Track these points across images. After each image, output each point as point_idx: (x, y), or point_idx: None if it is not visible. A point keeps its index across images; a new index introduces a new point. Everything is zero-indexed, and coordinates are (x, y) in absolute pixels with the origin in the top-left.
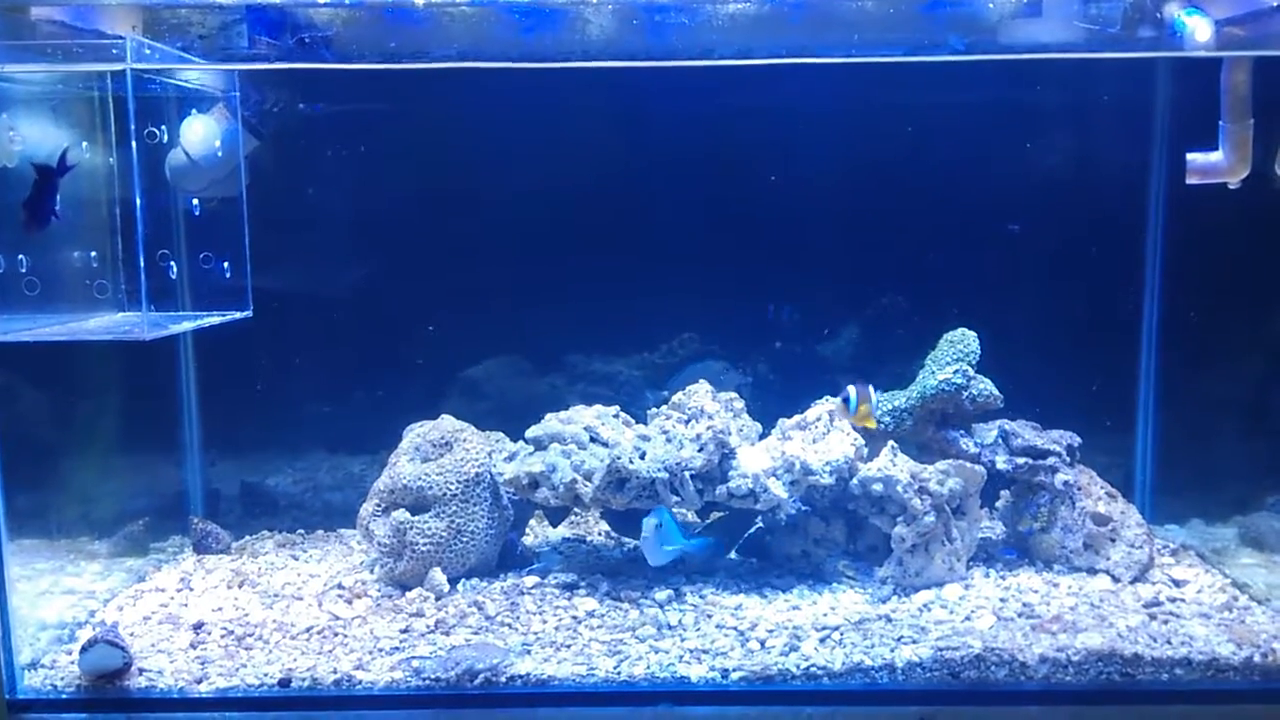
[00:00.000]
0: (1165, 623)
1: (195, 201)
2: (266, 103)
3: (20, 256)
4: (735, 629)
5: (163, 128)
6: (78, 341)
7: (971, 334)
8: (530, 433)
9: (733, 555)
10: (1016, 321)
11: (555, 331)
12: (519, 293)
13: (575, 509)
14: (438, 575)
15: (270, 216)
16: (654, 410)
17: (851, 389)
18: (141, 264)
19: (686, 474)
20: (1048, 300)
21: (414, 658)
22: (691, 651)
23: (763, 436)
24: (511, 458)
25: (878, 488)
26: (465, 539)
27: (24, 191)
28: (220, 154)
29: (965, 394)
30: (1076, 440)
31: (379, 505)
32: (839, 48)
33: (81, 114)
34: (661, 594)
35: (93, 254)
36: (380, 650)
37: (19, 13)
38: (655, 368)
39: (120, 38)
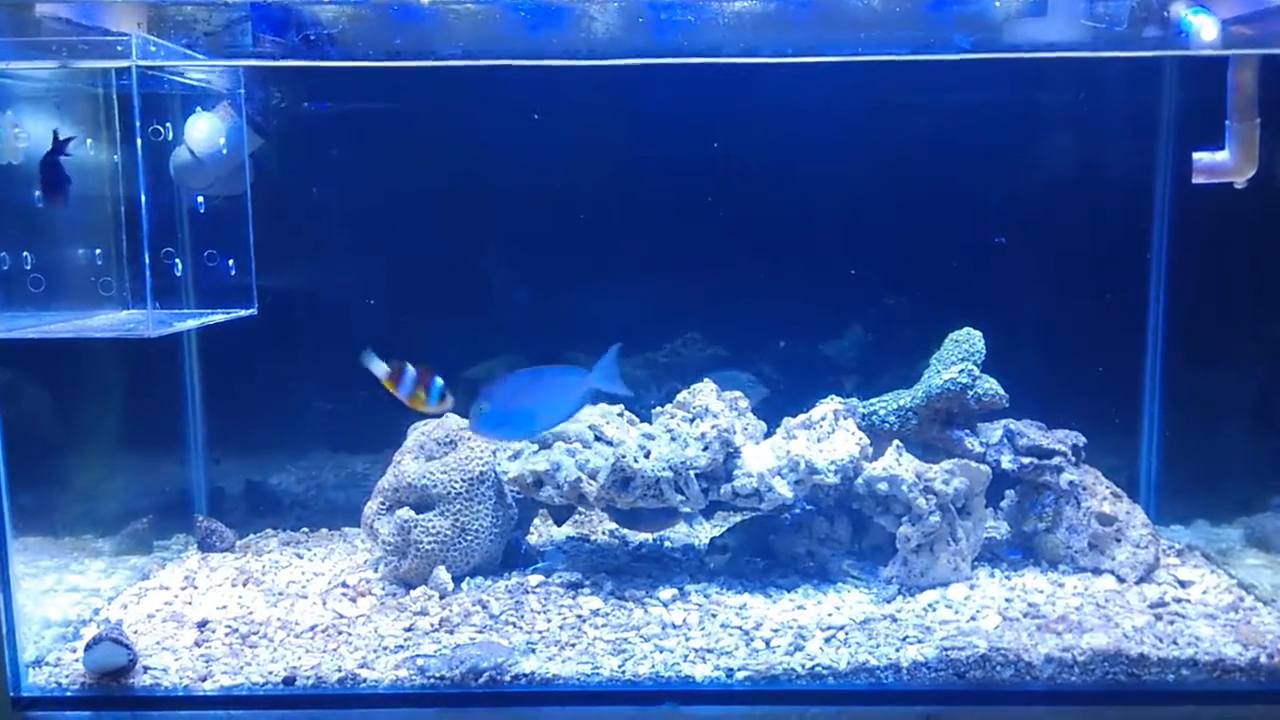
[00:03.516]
0: (1171, 623)
1: (200, 199)
2: (271, 100)
3: (25, 253)
4: (740, 628)
5: (167, 125)
6: (82, 339)
7: (977, 333)
8: None
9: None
10: (1022, 321)
11: (559, 330)
12: (523, 291)
13: (580, 508)
14: (442, 574)
15: (275, 214)
16: (659, 409)
17: (409, 370)
18: (146, 261)
19: (691, 473)
20: (1053, 300)
21: (418, 656)
22: (696, 651)
23: (768, 435)
24: (516, 456)
25: (883, 487)
26: (470, 537)
27: (28, 188)
28: (225, 151)
29: (970, 393)
30: (1082, 440)
31: (383, 503)
32: (845, 46)
33: (86, 111)
34: (666, 593)
35: (97, 251)
36: (384, 649)
37: (24, 9)
38: (660, 367)
39: (125, 35)
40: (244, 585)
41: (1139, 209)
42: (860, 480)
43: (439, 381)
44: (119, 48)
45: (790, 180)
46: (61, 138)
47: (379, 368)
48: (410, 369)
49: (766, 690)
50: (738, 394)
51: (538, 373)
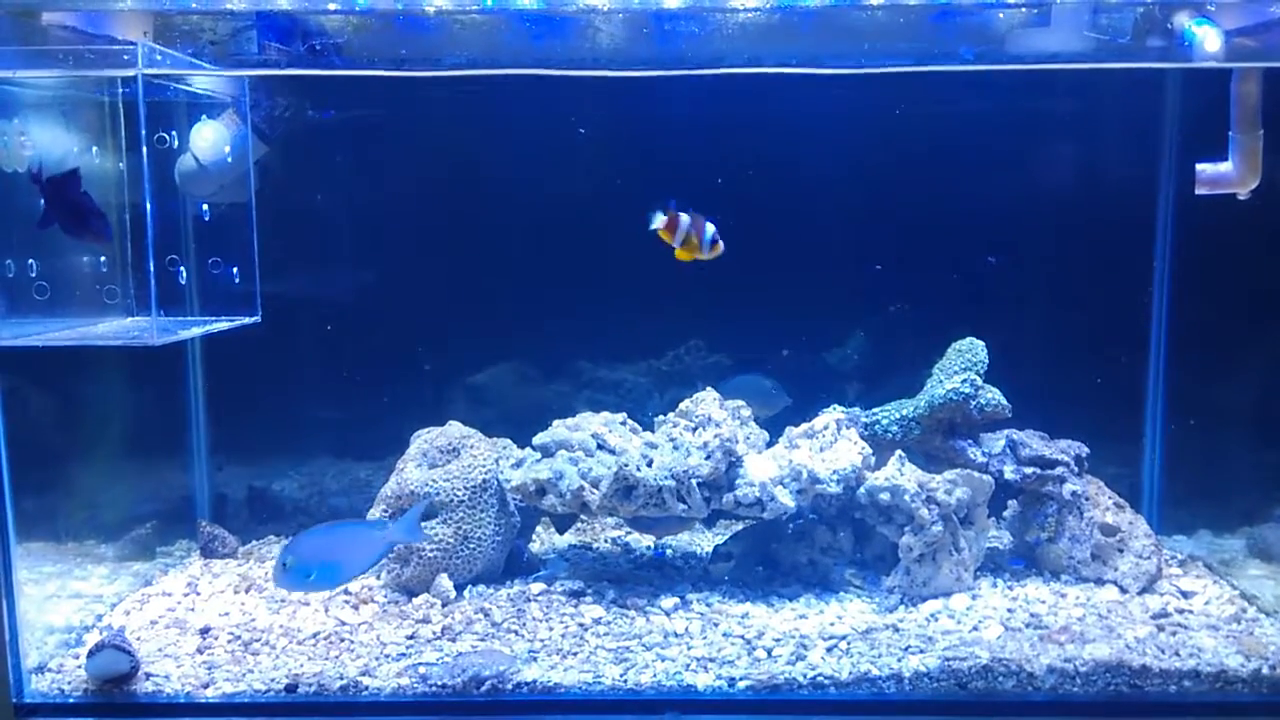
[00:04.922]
0: (1173, 634)
1: (205, 207)
2: (276, 109)
3: (30, 261)
4: (742, 637)
5: (173, 133)
6: (86, 346)
7: (979, 343)
8: (538, 440)
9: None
10: (1025, 331)
11: (562, 338)
12: (526, 299)
13: (582, 516)
14: (444, 581)
15: (279, 222)
16: (661, 418)
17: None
18: (151, 269)
19: (693, 482)
20: (1056, 310)
21: (420, 664)
22: (698, 660)
23: (770, 444)
24: (519, 465)
25: (885, 497)
26: (472, 545)
27: (33, 195)
28: (230, 159)
29: (973, 403)
30: (1084, 450)
31: (386, 511)
32: (849, 57)
33: (92, 119)
34: (668, 601)
35: (102, 259)
36: (386, 656)
37: (30, 18)
38: (662, 375)
39: (131, 43)
40: (246, 592)
41: (1142, 220)
42: (863, 490)
43: (710, 229)
44: (125, 56)
45: (794, 188)
46: (65, 169)
47: (657, 220)
48: (684, 218)
49: (768, 700)
50: (740, 403)
51: (337, 527)
